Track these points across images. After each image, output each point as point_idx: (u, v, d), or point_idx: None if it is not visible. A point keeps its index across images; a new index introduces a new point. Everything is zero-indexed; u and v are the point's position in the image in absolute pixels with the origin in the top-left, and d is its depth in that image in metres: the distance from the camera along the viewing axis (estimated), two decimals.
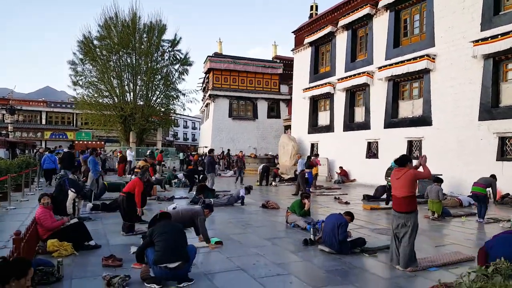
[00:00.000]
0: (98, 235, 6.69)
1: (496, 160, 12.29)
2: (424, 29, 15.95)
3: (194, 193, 12.26)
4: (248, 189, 11.98)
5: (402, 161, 5.36)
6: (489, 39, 12.49)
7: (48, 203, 5.94)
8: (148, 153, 16.88)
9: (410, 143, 16.02)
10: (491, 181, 9.16)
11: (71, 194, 7.92)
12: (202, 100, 46.26)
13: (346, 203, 11.51)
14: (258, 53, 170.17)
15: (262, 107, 37.71)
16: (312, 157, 16.40)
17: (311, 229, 6.58)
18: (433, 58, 14.84)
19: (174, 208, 8.97)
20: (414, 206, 5.18)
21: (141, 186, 7.16)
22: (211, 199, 10.71)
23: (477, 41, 12.92)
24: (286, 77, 37.64)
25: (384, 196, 11.87)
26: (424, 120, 15.24)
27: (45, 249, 5.46)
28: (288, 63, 38.31)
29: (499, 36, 12.19)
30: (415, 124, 15.68)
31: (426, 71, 15.11)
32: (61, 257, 5.26)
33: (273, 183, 17.26)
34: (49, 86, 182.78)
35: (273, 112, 38.45)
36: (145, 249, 4.52)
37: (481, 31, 13.15)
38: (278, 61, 38.79)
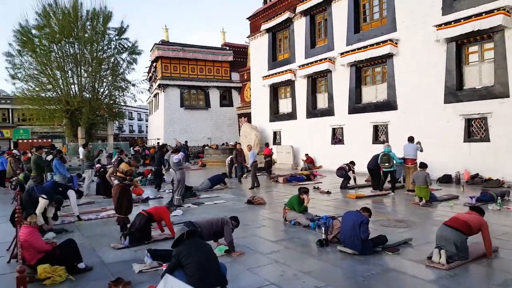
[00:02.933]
0: (86, 251, 5.65)
1: (464, 142, 12.81)
2: (384, 14, 16.12)
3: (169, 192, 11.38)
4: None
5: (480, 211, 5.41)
6: (452, 23, 12.83)
7: (36, 222, 5.00)
8: (131, 155, 15.01)
9: (375, 128, 16.29)
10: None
11: (42, 202, 6.92)
12: (149, 90, 44.02)
13: (328, 192, 11.29)
14: (204, 40, 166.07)
15: (214, 96, 36.72)
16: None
17: (322, 228, 6.13)
18: (396, 43, 15.06)
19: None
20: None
21: (169, 216, 6.75)
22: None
23: (440, 25, 13.22)
24: (237, 65, 37.01)
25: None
26: (389, 105, 15.51)
27: (35, 276, 4.51)
28: (238, 50, 37.64)
29: (462, 20, 12.56)
30: (380, 108, 15.93)
31: (389, 55, 15.31)
32: (54, 284, 4.49)
33: (244, 175, 16.64)
34: None
35: (226, 100, 37.62)
36: (172, 272, 3.75)
37: (442, 15, 13.49)
38: (227, 48, 37.86)
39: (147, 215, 6.36)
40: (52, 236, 6.71)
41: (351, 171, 12.42)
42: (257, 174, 17.58)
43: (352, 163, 12.58)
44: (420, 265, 4.92)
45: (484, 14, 12.06)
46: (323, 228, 6.09)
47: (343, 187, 12.04)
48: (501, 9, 11.44)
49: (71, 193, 8.26)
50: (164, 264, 5.10)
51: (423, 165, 9.47)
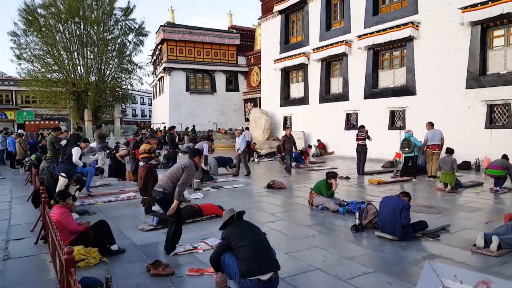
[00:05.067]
0: (114, 232, 5.28)
1: (485, 128, 12.51)
2: None
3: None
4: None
5: None
6: (479, 5, 12.36)
7: (70, 204, 4.96)
8: (149, 134, 14.43)
9: (392, 113, 15.97)
10: (508, 164, 8.77)
11: (61, 180, 6.82)
12: (153, 73, 43.49)
13: (347, 178, 11.08)
14: (210, 22, 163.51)
15: (220, 80, 36.20)
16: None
17: (356, 213, 5.91)
18: (417, 26, 14.60)
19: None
20: None
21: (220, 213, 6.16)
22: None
23: (465, 7, 12.76)
24: (244, 48, 36.35)
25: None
26: (407, 90, 15.16)
27: None
28: (244, 34, 36.94)
29: (490, 2, 12.09)
30: (398, 94, 15.58)
31: (410, 39, 14.88)
32: (89, 266, 4.29)
33: (255, 160, 16.48)
34: None
35: (232, 85, 37.09)
36: (222, 254, 3.56)
37: None
38: (234, 31, 37.12)
39: (197, 208, 6.34)
40: (75, 218, 6.54)
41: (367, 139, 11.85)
42: (269, 159, 17.56)
43: (362, 128, 11.96)
44: (465, 251, 4.74)
45: None
46: (357, 213, 5.87)
47: (361, 172, 11.79)
48: None
49: (75, 149, 8.08)
50: (199, 247, 4.96)
51: (450, 151, 9.22)
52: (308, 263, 4.40)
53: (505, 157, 9.11)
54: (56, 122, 25.28)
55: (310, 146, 17.82)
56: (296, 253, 4.76)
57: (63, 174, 6.85)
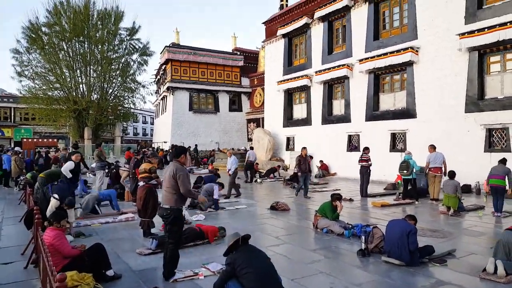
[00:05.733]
0: (110, 256, 5.07)
1: (484, 152, 12.63)
2: (404, 22, 16.04)
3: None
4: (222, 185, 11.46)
5: None
6: (476, 32, 12.72)
7: (64, 226, 4.77)
8: (150, 152, 14.40)
9: (393, 136, 16.12)
10: (506, 169, 8.61)
11: (53, 202, 6.61)
12: (156, 93, 44.01)
13: (350, 200, 11.11)
14: (214, 44, 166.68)
15: (224, 100, 36.65)
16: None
17: (362, 237, 5.93)
18: (417, 51, 14.95)
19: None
20: None
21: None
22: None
23: (463, 34, 13.11)
24: (247, 70, 36.99)
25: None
26: (408, 113, 15.36)
27: None
28: (248, 56, 37.66)
29: (486, 30, 12.44)
30: (399, 116, 15.78)
31: (410, 63, 15.20)
32: None
33: (258, 180, 16.51)
34: None
35: (235, 105, 37.55)
36: (226, 282, 3.57)
37: (465, 24, 13.38)
38: (238, 53, 37.86)
39: (199, 230, 6.29)
40: (70, 240, 6.20)
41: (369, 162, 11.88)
42: (271, 179, 17.55)
43: (366, 149, 11.97)
44: (474, 277, 4.73)
45: (508, 23, 11.95)
46: (363, 237, 5.89)
47: (364, 195, 11.82)
48: None
49: (68, 162, 8.41)
50: (200, 273, 4.83)
51: (452, 175, 9.27)
52: None
53: (503, 161, 8.86)
54: (55, 140, 25.34)
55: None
56: (302, 279, 4.74)
57: (56, 196, 6.63)
